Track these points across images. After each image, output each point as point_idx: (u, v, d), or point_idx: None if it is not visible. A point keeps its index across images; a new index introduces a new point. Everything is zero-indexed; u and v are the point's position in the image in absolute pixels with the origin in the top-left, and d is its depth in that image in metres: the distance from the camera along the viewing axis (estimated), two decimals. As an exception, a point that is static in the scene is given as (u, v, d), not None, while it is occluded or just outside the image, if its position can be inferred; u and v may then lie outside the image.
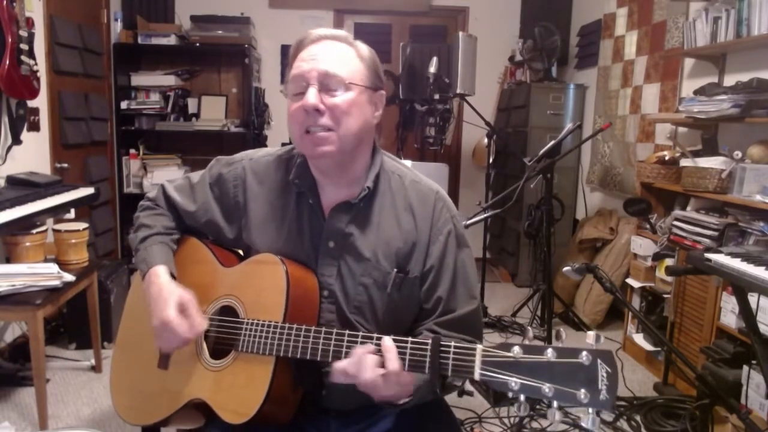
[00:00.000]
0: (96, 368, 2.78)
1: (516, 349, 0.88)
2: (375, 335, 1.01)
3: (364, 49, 1.16)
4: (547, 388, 0.84)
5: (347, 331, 1.04)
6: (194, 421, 1.23)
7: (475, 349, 0.91)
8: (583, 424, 0.84)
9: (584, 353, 0.83)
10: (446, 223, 1.19)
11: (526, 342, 0.89)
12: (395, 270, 1.16)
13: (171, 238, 1.29)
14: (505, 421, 2.39)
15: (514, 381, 0.86)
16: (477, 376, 0.90)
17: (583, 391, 0.82)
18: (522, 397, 0.87)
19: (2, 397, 2.52)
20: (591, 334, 0.86)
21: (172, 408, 1.19)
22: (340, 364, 0.99)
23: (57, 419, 2.38)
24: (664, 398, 2.55)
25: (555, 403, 0.85)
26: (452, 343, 0.94)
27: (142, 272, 1.22)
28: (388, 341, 0.98)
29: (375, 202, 1.18)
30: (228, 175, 1.27)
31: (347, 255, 1.17)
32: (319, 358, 1.06)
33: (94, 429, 1.80)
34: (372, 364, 0.96)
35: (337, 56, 1.11)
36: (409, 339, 0.98)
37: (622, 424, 2.39)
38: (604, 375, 0.82)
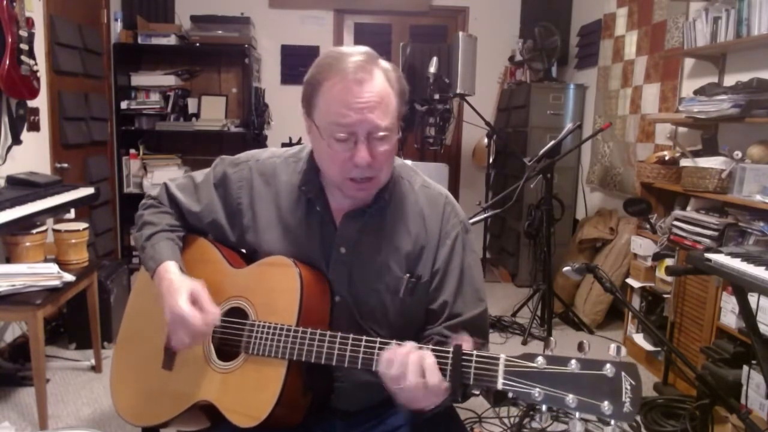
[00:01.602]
0: (96, 368, 2.78)
1: (540, 359, 0.88)
2: (394, 342, 1.00)
3: (390, 71, 1.10)
4: (570, 399, 0.84)
5: (365, 337, 1.03)
6: (198, 423, 1.22)
7: (498, 359, 0.91)
8: None
9: (608, 365, 0.84)
10: (454, 227, 1.20)
11: (549, 353, 0.89)
12: (407, 275, 1.16)
13: (177, 236, 1.27)
14: (505, 421, 2.39)
15: (537, 391, 0.87)
16: (500, 386, 0.90)
17: (606, 403, 0.83)
18: (544, 408, 0.87)
19: (2, 397, 2.52)
20: (613, 346, 0.86)
21: (177, 409, 1.17)
22: (386, 354, 0.96)
23: (57, 419, 2.38)
24: (664, 398, 2.55)
25: (577, 414, 0.85)
26: (474, 352, 0.94)
27: (151, 270, 1.20)
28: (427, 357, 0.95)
29: (387, 208, 1.18)
30: (233, 176, 1.25)
31: (359, 261, 1.17)
32: (334, 363, 1.05)
33: (94, 429, 1.80)
34: (417, 364, 0.94)
35: (380, 99, 1.05)
36: (430, 347, 0.97)
37: (622, 423, 2.39)
38: (628, 387, 0.82)
